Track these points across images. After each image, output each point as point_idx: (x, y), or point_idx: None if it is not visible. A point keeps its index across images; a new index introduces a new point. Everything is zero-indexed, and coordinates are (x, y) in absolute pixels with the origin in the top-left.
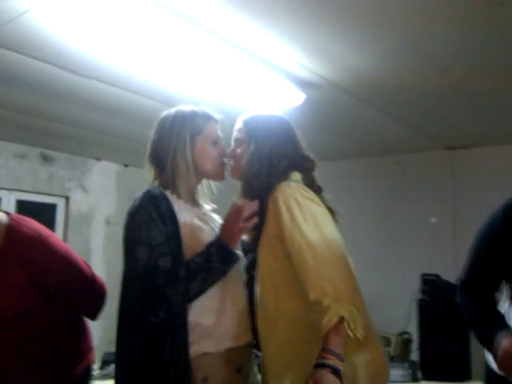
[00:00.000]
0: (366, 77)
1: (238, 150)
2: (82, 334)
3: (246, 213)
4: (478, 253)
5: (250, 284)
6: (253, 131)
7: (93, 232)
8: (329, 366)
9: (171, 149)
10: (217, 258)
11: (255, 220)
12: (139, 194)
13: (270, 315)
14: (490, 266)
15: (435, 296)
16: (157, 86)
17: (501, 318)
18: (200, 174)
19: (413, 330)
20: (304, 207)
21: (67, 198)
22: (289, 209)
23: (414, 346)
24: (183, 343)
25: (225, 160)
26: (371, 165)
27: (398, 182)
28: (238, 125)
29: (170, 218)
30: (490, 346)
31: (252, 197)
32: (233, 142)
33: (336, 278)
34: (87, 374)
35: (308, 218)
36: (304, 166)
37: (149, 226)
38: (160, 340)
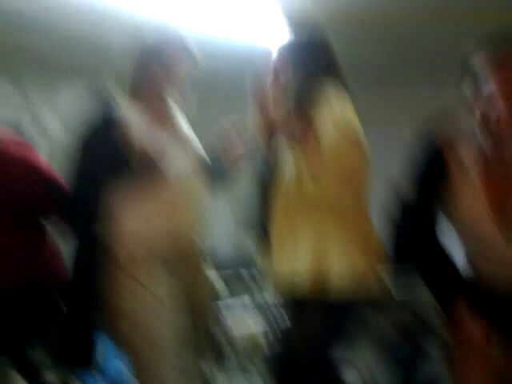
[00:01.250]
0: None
1: (281, 79)
2: (45, 248)
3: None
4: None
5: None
6: (293, 57)
7: None
8: None
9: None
10: None
11: None
12: (94, 115)
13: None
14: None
15: None
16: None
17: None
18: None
19: None
20: (347, 130)
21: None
22: (336, 127)
23: None
24: (107, 251)
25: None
26: None
27: None
28: (277, 53)
29: (120, 145)
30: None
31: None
32: (271, 73)
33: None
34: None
35: (350, 136)
36: (341, 82)
37: (93, 150)
38: (89, 248)
